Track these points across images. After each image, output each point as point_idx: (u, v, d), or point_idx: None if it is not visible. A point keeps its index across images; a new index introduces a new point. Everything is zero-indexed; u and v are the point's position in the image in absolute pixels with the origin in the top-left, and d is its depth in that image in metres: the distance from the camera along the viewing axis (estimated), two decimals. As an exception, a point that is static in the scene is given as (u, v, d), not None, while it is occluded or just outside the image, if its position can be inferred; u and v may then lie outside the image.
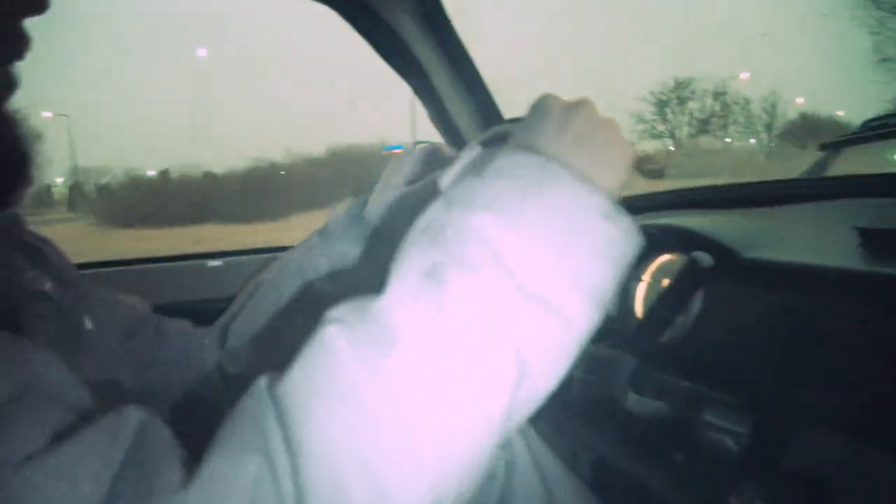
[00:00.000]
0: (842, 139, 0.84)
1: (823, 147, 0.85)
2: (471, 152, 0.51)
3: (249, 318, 0.73)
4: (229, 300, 0.83)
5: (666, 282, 0.82)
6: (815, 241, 0.70)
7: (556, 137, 0.43)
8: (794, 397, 0.62)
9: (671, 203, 1.06)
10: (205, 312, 0.87)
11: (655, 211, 1.03)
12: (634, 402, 0.69)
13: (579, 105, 0.45)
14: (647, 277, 0.91)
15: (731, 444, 0.67)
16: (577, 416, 0.80)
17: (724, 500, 0.76)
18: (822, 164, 0.87)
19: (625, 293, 0.93)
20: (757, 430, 0.66)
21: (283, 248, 1.41)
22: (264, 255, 1.48)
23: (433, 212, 0.40)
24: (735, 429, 0.67)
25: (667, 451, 0.77)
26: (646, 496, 0.85)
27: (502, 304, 0.36)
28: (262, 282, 0.76)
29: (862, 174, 0.80)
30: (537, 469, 0.81)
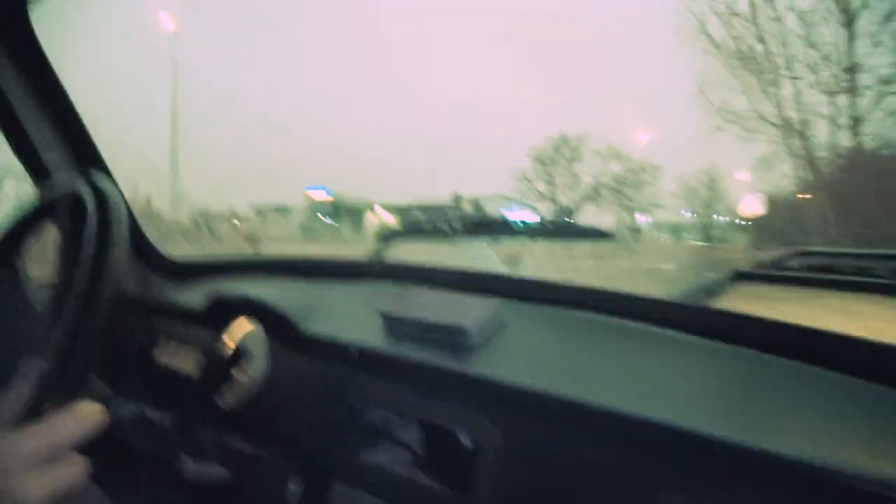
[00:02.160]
0: (391, 232, 1.07)
1: (383, 237, 1.06)
2: None
3: None
4: None
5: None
6: (357, 318, 0.86)
7: None
8: (342, 456, 0.74)
9: (259, 265, 1.16)
10: None
11: (246, 271, 1.12)
12: (192, 466, 0.72)
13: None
14: (229, 341, 0.97)
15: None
16: (135, 481, 0.79)
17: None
18: (380, 250, 1.07)
19: (212, 356, 0.97)
20: (309, 489, 0.76)
21: None
22: None
23: None
24: (292, 488, 0.76)
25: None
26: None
27: None
28: None
29: (402, 263, 1.02)
30: None
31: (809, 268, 0.69)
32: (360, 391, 0.76)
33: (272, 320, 0.88)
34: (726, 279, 0.75)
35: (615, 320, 0.77)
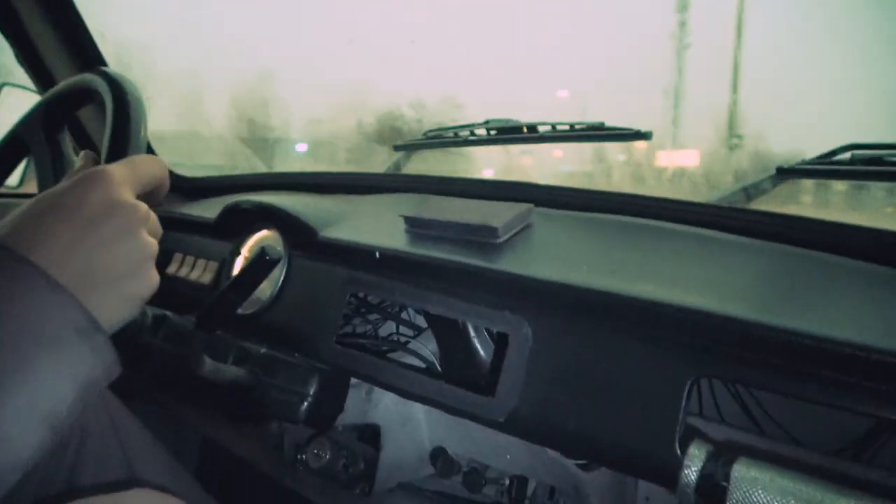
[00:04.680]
0: (410, 143, 1.03)
1: (396, 148, 1.02)
2: None
3: None
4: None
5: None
6: (377, 224, 0.83)
7: (68, 230, 0.38)
8: (361, 357, 0.73)
9: (273, 183, 1.12)
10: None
11: (260, 190, 1.08)
12: (209, 366, 0.71)
13: (129, 208, 0.41)
14: (245, 252, 0.94)
15: (298, 403, 0.75)
16: (156, 382, 0.79)
17: (297, 456, 0.85)
18: (397, 164, 1.04)
19: (227, 267, 0.95)
20: (325, 389, 0.75)
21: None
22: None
23: None
24: (301, 390, 0.75)
25: (242, 411, 0.81)
26: (221, 455, 0.89)
27: None
28: None
29: (421, 174, 0.98)
30: (115, 433, 0.76)
31: (854, 161, 0.65)
32: (382, 294, 0.74)
33: (289, 227, 0.85)
34: (767, 177, 0.71)
35: (649, 223, 0.74)
